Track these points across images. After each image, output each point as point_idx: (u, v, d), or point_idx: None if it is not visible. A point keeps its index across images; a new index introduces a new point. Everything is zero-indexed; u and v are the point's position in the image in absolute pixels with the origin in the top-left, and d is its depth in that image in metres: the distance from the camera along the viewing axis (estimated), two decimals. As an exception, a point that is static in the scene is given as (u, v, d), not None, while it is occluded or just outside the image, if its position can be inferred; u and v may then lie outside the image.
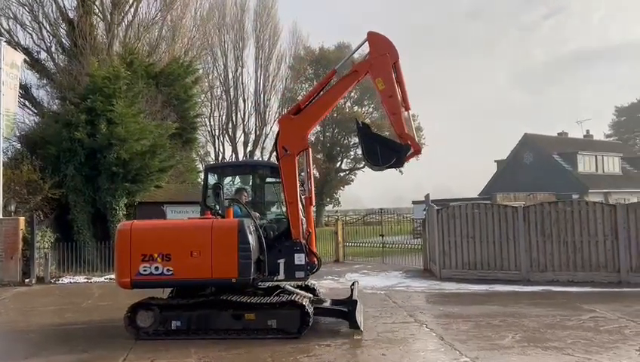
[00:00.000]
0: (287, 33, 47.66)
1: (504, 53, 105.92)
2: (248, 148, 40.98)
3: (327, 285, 12.96)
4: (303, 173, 9.05)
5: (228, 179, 10.35)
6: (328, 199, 45.28)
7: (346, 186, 47.55)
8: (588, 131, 47.81)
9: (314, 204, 9.15)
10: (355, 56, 9.15)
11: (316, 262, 8.74)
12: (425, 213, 16.24)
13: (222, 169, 10.48)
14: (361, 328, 8.28)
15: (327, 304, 8.87)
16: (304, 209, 8.82)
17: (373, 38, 8.58)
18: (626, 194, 37.80)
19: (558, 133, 45.77)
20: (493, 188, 39.09)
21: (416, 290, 12.40)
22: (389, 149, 8.37)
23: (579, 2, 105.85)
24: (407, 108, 8.60)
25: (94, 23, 22.46)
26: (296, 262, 8.42)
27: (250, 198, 9.74)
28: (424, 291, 12.30)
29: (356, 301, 8.49)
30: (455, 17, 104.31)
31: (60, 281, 15.49)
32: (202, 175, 18.89)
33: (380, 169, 8.57)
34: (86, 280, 15.63)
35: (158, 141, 18.45)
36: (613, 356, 6.57)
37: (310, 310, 8.01)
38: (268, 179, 9.79)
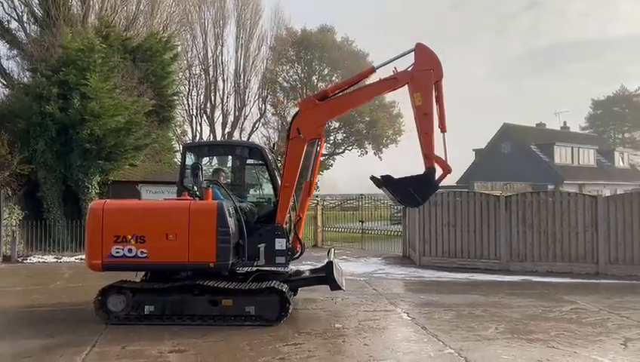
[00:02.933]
0: (269, 13, 46.87)
1: (483, 43, 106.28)
2: (227, 129, 40.36)
3: (306, 270, 12.71)
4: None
5: (206, 160, 9.96)
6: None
7: (325, 171, 47.29)
8: (565, 123, 48.37)
9: (312, 194, 8.91)
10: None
11: (299, 248, 8.50)
12: (406, 199, 16.05)
13: (200, 148, 10.05)
14: (343, 288, 8.43)
15: (305, 274, 8.76)
16: (300, 193, 8.57)
17: (421, 50, 8.12)
18: (600, 186, 38.45)
19: (537, 124, 46.19)
20: (470, 177, 39.30)
21: (396, 277, 12.26)
22: (419, 184, 7.95)
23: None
24: (444, 130, 8.16)
25: (69, -8, 21.53)
26: (277, 247, 8.16)
27: (228, 180, 9.40)
28: (404, 278, 12.16)
29: (331, 262, 8.38)
30: (435, 7, 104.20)
31: (28, 261, 15.00)
32: (179, 155, 18.39)
33: (421, 205, 8.20)
34: (55, 259, 15.14)
35: (134, 118, 17.88)
36: (599, 349, 6.47)
37: (290, 296, 7.79)
38: (248, 161, 9.44)
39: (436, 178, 8.06)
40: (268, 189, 8.99)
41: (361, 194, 21.21)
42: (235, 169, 9.67)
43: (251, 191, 9.67)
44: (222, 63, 39.87)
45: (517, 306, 8.85)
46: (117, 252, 7.36)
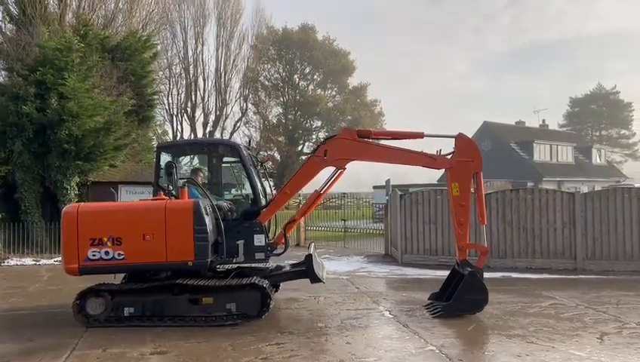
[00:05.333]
0: (250, 11, 46.72)
1: (464, 41, 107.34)
2: (208, 129, 40.14)
3: (289, 270, 12.72)
4: (262, 153, 8.85)
5: (183, 159, 9.83)
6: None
7: (307, 170, 47.25)
8: (544, 121, 49.10)
9: (317, 205, 9.19)
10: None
11: (283, 245, 8.56)
12: (388, 198, 16.18)
13: (175, 148, 9.79)
14: (323, 281, 8.47)
15: (286, 269, 8.78)
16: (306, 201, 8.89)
17: (462, 141, 8.19)
18: (578, 183, 39.11)
19: (516, 122, 46.83)
20: (451, 175, 39.61)
21: (378, 276, 12.33)
22: (470, 285, 7.86)
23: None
24: (483, 223, 8.24)
25: (45, -10, 21.16)
26: (256, 244, 8.18)
27: (206, 180, 9.34)
28: (386, 276, 12.23)
29: (311, 255, 8.40)
30: (414, 5, 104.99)
31: (6, 263, 14.73)
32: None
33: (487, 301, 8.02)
34: (34, 262, 14.91)
35: (113, 118, 17.66)
36: (576, 344, 6.59)
37: (271, 292, 7.83)
38: (225, 159, 9.37)
39: (476, 263, 8.13)
40: (246, 186, 8.97)
41: (344, 193, 21.26)
42: (212, 167, 9.60)
43: (229, 189, 9.63)
44: (202, 62, 39.77)
45: (497, 302, 8.95)
46: (93, 255, 7.28)
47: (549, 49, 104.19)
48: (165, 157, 8.90)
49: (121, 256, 7.29)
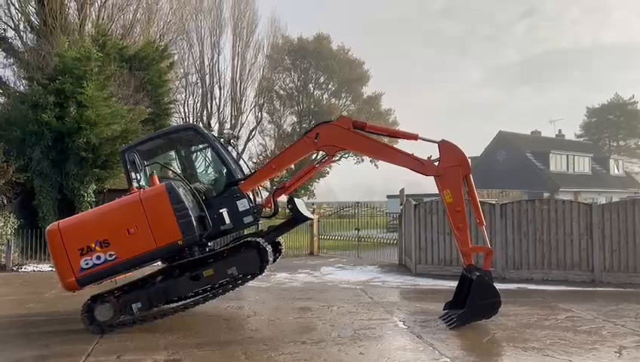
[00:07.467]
0: (266, 21, 47.02)
1: (478, 51, 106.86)
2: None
3: (302, 279, 12.72)
4: (226, 131, 8.95)
5: (150, 158, 9.29)
6: (303, 191, 45.01)
7: (321, 179, 47.34)
8: (560, 131, 48.61)
9: (310, 176, 9.26)
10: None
11: (271, 207, 8.66)
12: (401, 207, 16.11)
13: (137, 147, 8.94)
14: (312, 217, 8.91)
15: (277, 225, 8.99)
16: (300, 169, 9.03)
17: (445, 147, 8.12)
18: (595, 194, 38.63)
19: (532, 132, 46.46)
20: (466, 185, 39.40)
21: (392, 286, 12.25)
22: (481, 290, 7.85)
23: (552, 4, 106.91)
24: (481, 224, 8.18)
25: (65, 1, 21.60)
26: (241, 209, 8.21)
27: (179, 171, 9.21)
28: (400, 286, 12.16)
29: (292, 198, 8.58)
30: (429, 15, 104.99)
31: (23, 269, 14.93)
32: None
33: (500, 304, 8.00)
34: (51, 268, 15.00)
35: (130, 126, 17.89)
36: (594, 357, 6.48)
37: (268, 247, 7.89)
38: (193, 147, 9.31)
39: (483, 265, 8.11)
40: (217, 163, 8.96)
41: (358, 202, 21.21)
42: (180, 156, 9.54)
43: (203, 170, 9.58)
44: (218, 71, 40.01)
45: (512, 314, 8.84)
46: (86, 263, 7.39)
47: (563, 59, 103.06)
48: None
49: (113, 257, 7.37)
